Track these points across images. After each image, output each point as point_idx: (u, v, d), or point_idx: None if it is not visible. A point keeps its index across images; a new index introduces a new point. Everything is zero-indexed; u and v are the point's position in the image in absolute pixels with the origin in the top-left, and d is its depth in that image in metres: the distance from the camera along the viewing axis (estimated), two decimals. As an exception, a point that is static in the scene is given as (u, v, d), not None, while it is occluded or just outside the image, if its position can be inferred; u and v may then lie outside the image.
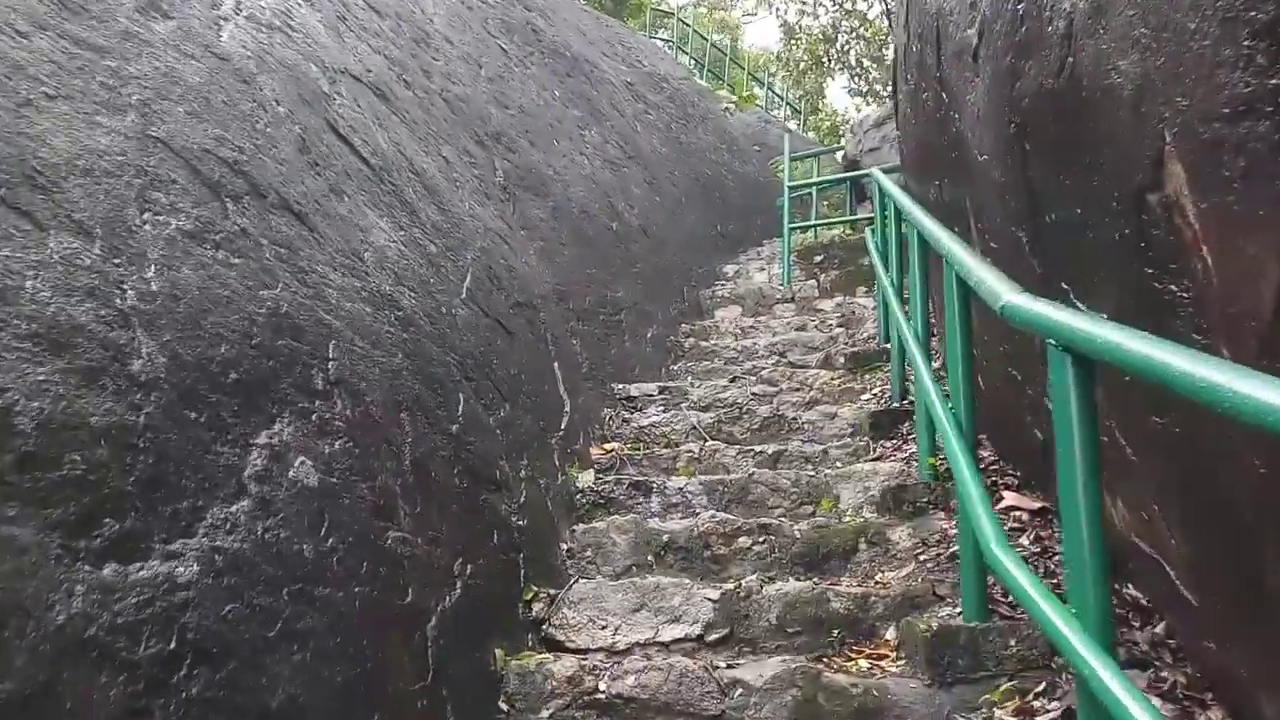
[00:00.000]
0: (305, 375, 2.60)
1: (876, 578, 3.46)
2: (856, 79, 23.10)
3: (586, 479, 4.38)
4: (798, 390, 5.76)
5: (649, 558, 3.77)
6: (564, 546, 3.86)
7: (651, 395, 5.90)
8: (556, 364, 5.19)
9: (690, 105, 12.62)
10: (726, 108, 13.75)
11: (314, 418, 2.55)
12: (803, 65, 23.73)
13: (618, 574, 3.73)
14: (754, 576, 3.41)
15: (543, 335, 5.17)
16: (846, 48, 22.76)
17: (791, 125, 21.00)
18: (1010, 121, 2.73)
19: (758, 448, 4.85)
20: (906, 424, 4.86)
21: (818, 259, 9.35)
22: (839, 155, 14.67)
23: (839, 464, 4.65)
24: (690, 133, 11.88)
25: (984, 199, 3.28)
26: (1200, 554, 2.25)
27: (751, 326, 7.73)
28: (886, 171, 7.19)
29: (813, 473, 4.37)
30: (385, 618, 2.51)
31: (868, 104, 25.69)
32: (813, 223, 9.96)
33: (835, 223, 10.06)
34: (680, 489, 4.32)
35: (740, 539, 3.74)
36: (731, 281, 9.62)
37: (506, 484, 3.67)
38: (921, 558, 3.47)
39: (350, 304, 3.05)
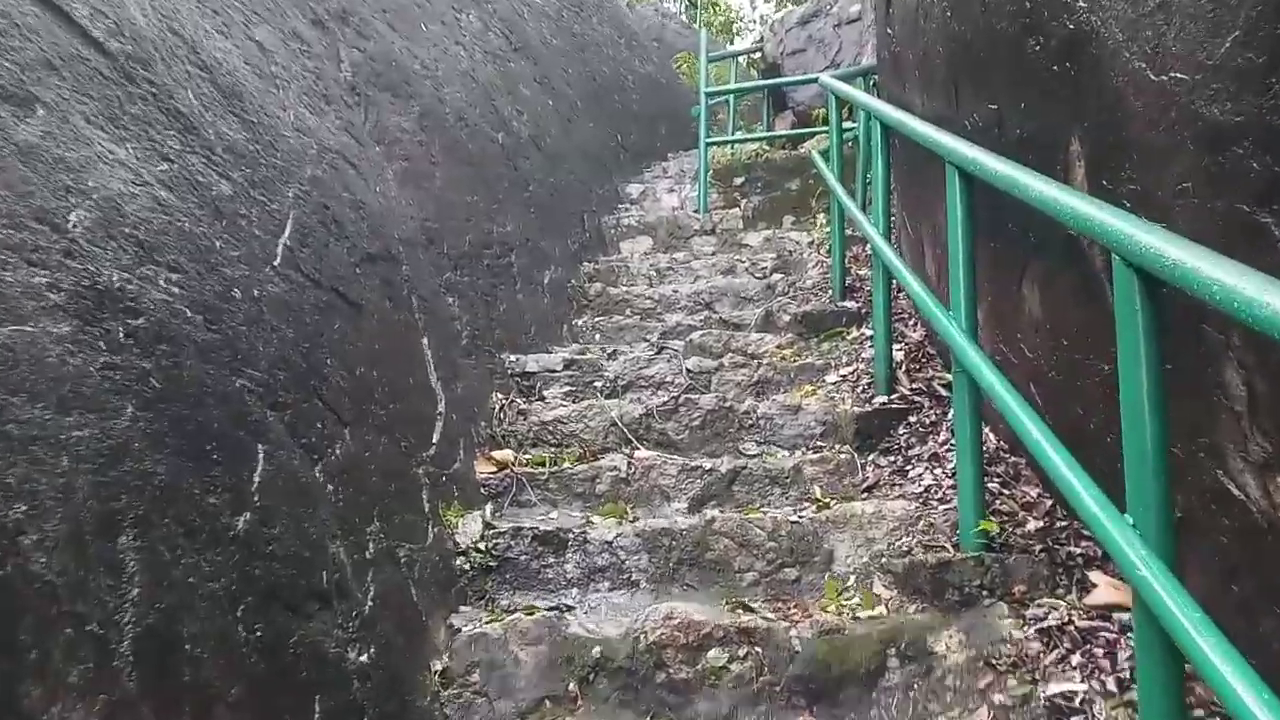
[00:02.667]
0: None
1: (932, 734, 2.24)
2: (756, -28, 21.44)
3: (471, 529, 3.01)
4: (742, 366, 4.48)
5: (570, 685, 2.44)
6: (437, 668, 2.49)
7: (554, 371, 4.52)
8: (426, 339, 3.75)
9: (584, -9, 10.91)
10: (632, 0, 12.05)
11: None
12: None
13: (523, 714, 2.40)
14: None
15: (405, 299, 3.70)
16: (746, -63, 21.06)
17: (683, 19, 19.29)
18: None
19: (706, 463, 3.55)
20: (902, 429, 3.64)
21: (738, 181, 7.98)
22: (743, 59, 13.22)
23: (818, 489, 3.41)
24: (584, 22, 10.21)
25: (1138, 140, 1.98)
26: None
27: (668, 267, 6.37)
28: (844, 79, 5.87)
29: (791, 514, 3.11)
30: None
31: (765, 2, 24.18)
32: (735, 138, 8.54)
33: (766, 138, 8.65)
34: (608, 543, 2.99)
35: (710, 651, 2.45)
36: (638, 205, 8.18)
37: (340, 587, 2.26)
38: (996, 698, 2.26)
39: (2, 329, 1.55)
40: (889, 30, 4.12)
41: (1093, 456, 2.39)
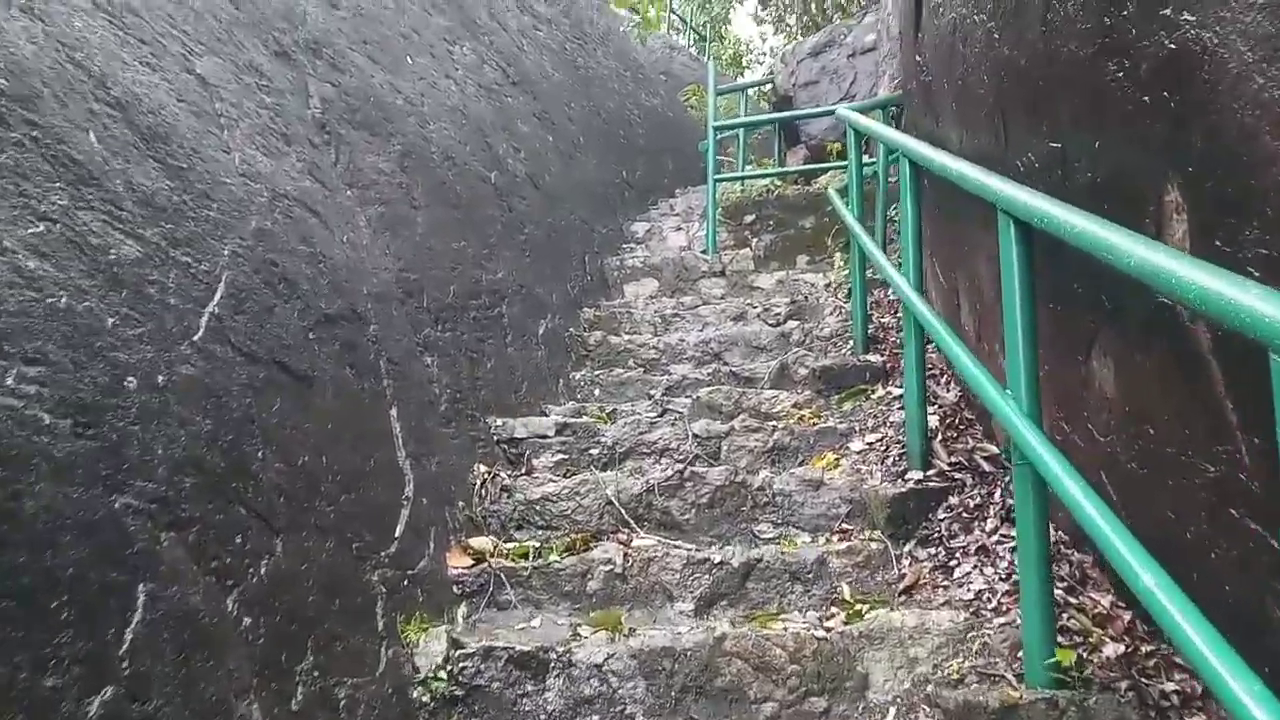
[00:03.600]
0: None
1: None
2: (765, 4, 21.12)
3: (434, 650, 2.52)
4: (755, 430, 3.99)
5: None
6: None
7: (545, 437, 4.05)
8: (395, 409, 3.29)
9: (588, 22, 10.53)
10: (640, 33, 11.67)
11: None
12: (708, -14, 21.62)
13: None
14: None
15: (371, 364, 3.25)
16: (754, -31, 20.74)
17: (691, 51, 18.95)
18: None
19: (715, 555, 3.07)
20: (942, 513, 3.15)
21: (748, 219, 7.54)
22: (753, 91, 12.84)
23: (846, 588, 2.92)
24: (589, 56, 9.84)
25: (1272, 192, 1.52)
26: None
27: (674, 314, 5.91)
28: (863, 111, 5.43)
29: (817, 625, 2.63)
30: None
31: (775, 34, 23.82)
32: (745, 174, 8.09)
33: (778, 174, 8.17)
34: (597, 666, 2.50)
35: (720, 828, 1.96)
36: (643, 245, 7.75)
37: (251, 761, 1.79)
38: None
39: None
40: (918, 58, 3.67)
41: (1189, 573, 1.91)
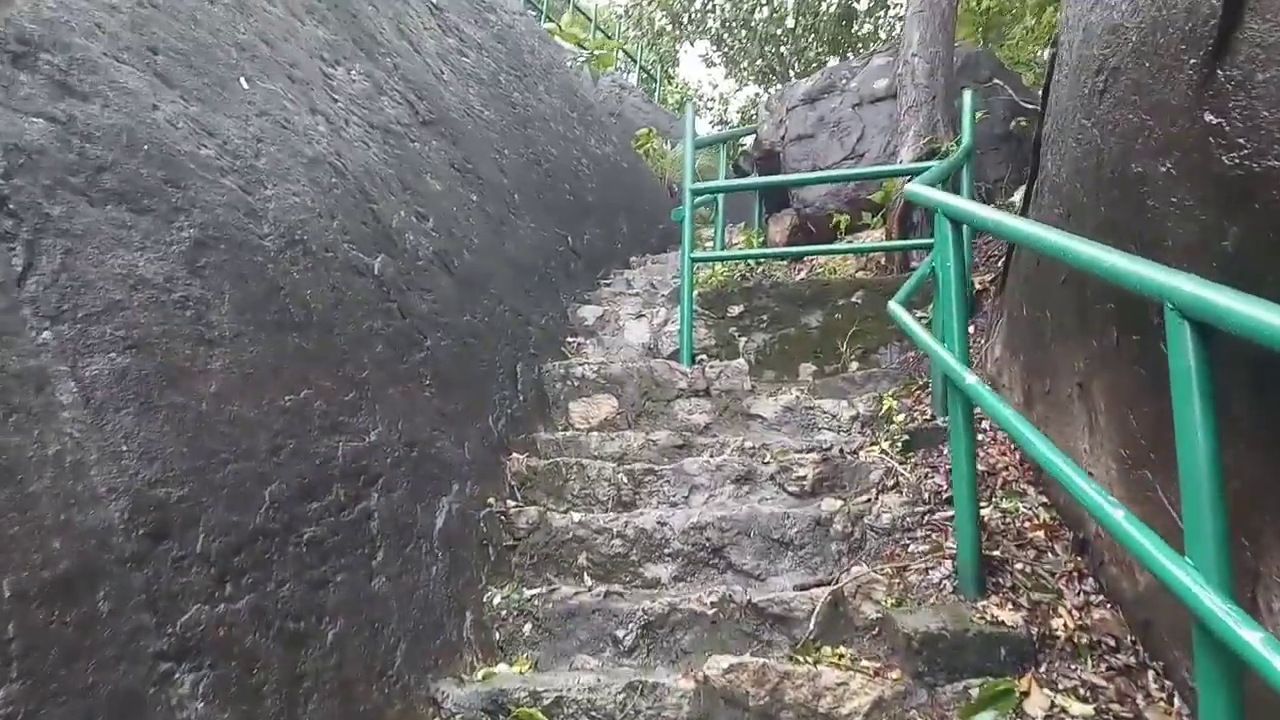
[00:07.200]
0: None
1: None
2: (719, 45, 19.54)
3: None
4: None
5: None
6: None
7: (425, 817, 2.07)
8: None
9: (529, 52, 8.66)
10: (592, 70, 9.82)
11: None
12: (658, 25, 20.01)
13: None
14: None
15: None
16: (708, 6, 19.22)
17: (640, 91, 17.28)
18: None
19: None
20: None
21: (733, 311, 5.67)
22: (736, 144, 11.07)
23: None
24: (528, 90, 7.95)
25: None
26: None
27: (645, 469, 3.97)
28: (935, 181, 3.61)
29: None
30: None
31: (727, 78, 22.27)
32: (737, 253, 6.16)
33: (779, 255, 6.23)
34: None
35: None
36: (594, 339, 5.80)
37: None
38: None
39: None
40: (1221, 124, 1.81)
41: None
